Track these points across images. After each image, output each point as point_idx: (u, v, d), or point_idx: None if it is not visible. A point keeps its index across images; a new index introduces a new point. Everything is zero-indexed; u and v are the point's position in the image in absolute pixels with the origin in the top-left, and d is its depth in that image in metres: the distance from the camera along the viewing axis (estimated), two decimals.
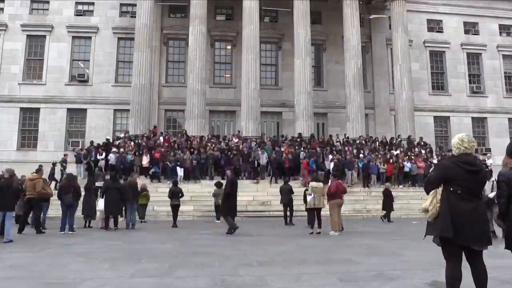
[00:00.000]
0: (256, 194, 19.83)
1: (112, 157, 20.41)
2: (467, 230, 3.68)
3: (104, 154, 20.93)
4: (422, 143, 25.27)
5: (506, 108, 30.76)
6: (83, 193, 13.72)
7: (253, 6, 24.73)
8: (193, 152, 21.07)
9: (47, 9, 27.72)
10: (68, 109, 26.72)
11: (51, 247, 9.24)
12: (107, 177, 15.67)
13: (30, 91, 26.59)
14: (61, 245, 9.63)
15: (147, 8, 24.91)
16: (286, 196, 15.37)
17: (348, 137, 24.54)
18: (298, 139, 23.58)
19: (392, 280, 5.58)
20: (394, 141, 24.97)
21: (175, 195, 14.91)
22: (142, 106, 24.19)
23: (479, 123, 30.64)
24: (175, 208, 14.97)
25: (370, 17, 28.25)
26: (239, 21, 26.34)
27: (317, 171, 19.69)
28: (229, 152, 21.38)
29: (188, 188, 18.72)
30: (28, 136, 26.46)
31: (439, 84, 30.94)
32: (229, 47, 28.79)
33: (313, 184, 12.43)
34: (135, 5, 26.16)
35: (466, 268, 3.86)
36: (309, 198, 12.31)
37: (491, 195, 9.41)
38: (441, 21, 31.29)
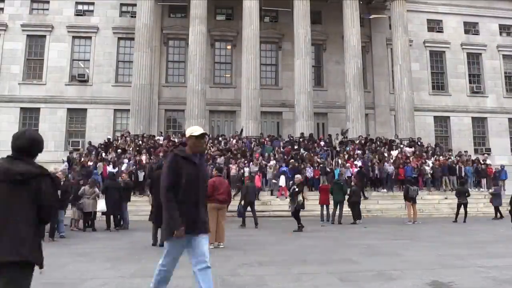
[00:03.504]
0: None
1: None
2: None
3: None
4: (420, 144, 25.18)
5: (506, 108, 30.76)
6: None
7: (253, 6, 24.73)
8: None
9: (47, 9, 27.71)
10: (68, 109, 26.72)
11: (51, 247, 9.23)
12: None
13: (30, 91, 26.60)
14: (61, 245, 9.62)
15: (147, 8, 24.91)
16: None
17: (341, 134, 24.66)
18: (300, 139, 23.57)
19: (392, 280, 5.58)
20: (396, 142, 24.89)
21: None
22: (142, 106, 24.19)
23: (479, 123, 30.64)
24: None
25: (370, 17, 28.24)
26: (239, 21, 26.35)
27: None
28: (229, 153, 21.36)
29: None
30: None
31: (439, 84, 30.93)
32: (229, 47, 28.79)
33: None
34: (135, 5, 26.17)
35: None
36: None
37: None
38: (441, 21, 31.28)
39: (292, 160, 20.80)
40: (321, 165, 20.74)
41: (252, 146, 22.57)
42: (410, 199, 16.23)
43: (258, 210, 18.47)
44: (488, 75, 31.17)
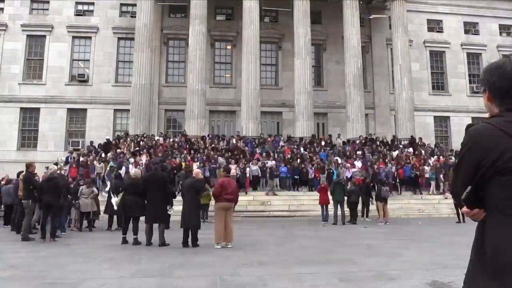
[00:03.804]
0: (256, 193, 19.84)
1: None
2: None
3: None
4: (421, 144, 25.19)
5: None
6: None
7: (253, 6, 24.72)
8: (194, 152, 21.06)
9: (47, 9, 27.71)
10: (68, 109, 26.72)
11: (51, 247, 9.23)
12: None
13: (30, 91, 26.59)
14: (61, 245, 9.63)
15: (147, 8, 24.91)
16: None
17: (339, 136, 24.65)
18: (298, 139, 23.58)
19: (392, 280, 5.58)
20: (396, 142, 24.90)
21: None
22: (142, 106, 24.19)
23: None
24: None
25: (370, 17, 28.24)
26: (239, 21, 26.34)
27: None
28: (230, 153, 21.36)
29: None
30: (28, 136, 26.45)
31: (439, 84, 30.92)
32: (229, 47, 28.79)
33: None
34: (135, 5, 26.16)
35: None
36: None
37: None
38: (441, 21, 31.28)
39: (292, 160, 20.82)
40: (321, 165, 20.70)
41: (253, 146, 22.56)
42: (382, 199, 16.34)
43: (257, 210, 18.56)
44: None
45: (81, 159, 20.53)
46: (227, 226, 9.00)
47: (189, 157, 20.30)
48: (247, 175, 19.69)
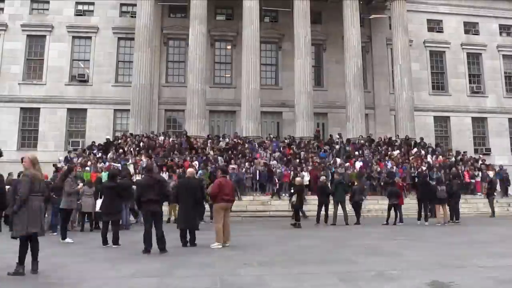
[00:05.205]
0: (256, 193, 19.84)
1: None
2: None
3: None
4: (423, 144, 25.21)
5: (506, 108, 30.76)
6: None
7: (253, 6, 24.73)
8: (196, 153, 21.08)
9: (47, 9, 27.72)
10: (68, 109, 26.73)
11: (51, 247, 9.23)
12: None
13: (30, 91, 26.60)
14: (61, 245, 9.63)
15: (147, 8, 24.91)
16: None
17: (341, 137, 24.61)
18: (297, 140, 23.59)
19: (392, 280, 5.58)
20: (396, 142, 24.90)
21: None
22: (142, 106, 24.19)
23: (479, 123, 30.64)
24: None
25: (370, 17, 28.27)
26: (239, 21, 26.35)
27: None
28: (230, 152, 21.36)
29: None
30: (28, 136, 26.46)
31: (439, 84, 30.93)
32: (229, 47, 28.80)
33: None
34: (135, 5, 26.17)
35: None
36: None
37: None
38: (441, 21, 31.29)
39: (292, 161, 20.82)
40: (322, 164, 20.69)
41: (253, 146, 22.56)
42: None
43: (258, 210, 18.56)
44: (488, 75, 31.17)
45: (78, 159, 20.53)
46: (225, 226, 9.02)
47: (187, 158, 20.31)
48: (246, 176, 19.66)
